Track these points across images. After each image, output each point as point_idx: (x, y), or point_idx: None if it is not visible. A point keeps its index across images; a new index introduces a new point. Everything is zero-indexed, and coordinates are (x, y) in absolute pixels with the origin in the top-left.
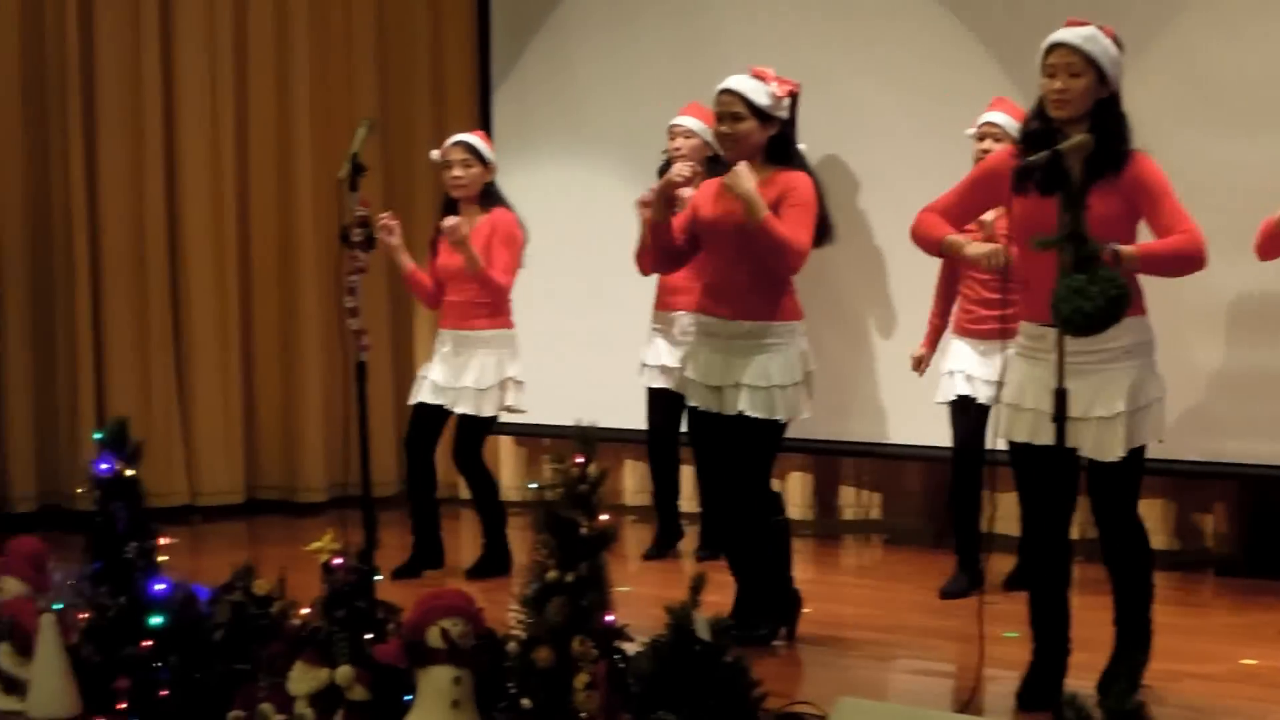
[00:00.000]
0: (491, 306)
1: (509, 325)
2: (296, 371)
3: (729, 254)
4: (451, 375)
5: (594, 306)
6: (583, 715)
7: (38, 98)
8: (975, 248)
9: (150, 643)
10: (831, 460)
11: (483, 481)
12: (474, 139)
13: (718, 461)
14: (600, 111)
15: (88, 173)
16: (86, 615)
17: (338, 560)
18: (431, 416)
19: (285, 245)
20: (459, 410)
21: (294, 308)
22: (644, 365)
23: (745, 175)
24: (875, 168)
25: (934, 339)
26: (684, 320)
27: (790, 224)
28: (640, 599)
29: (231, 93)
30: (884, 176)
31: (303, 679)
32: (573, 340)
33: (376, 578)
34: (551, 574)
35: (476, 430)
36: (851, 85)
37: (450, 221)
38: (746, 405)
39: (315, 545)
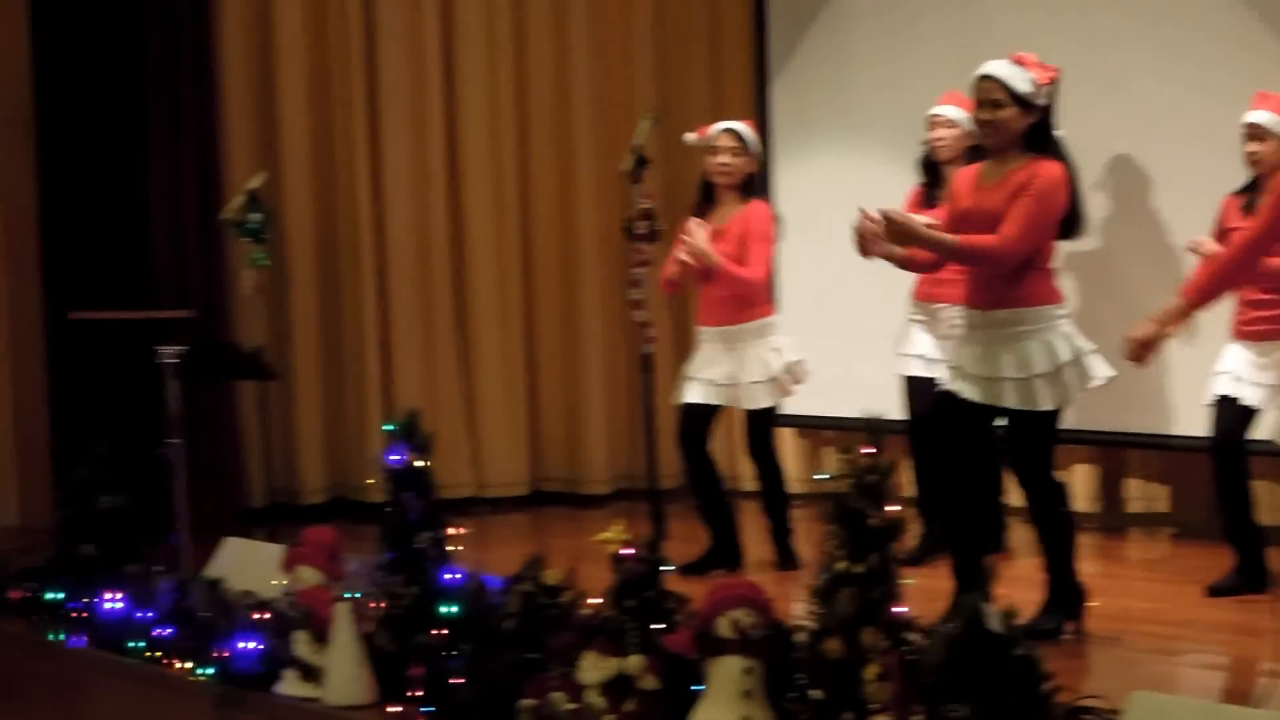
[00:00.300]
0: (750, 297)
1: (770, 312)
2: (579, 364)
3: None
4: (729, 372)
5: (870, 297)
6: (873, 706)
7: (323, 100)
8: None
9: (443, 632)
10: (1117, 452)
11: (775, 473)
12: (743, 127)
13: (966, 454)
14: (875, 100)
15: (372, 171)
16: (380, 604)
17: (627, 551)
18: (702, 415)
19: (566, 238)
20: (748, 406)
21: (576, 300)
22: (900, 355)
23: (906, 220)
24: (1167, 166)
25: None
26: (948, 313)
27: (1011, 217)
28: (926, 591)
29: (512, 88)
30: (1176, 175)
31: (593, 668)
32: (851, 331)
33: (666, 568)
34: (841, 565)
35: (768, 421)
36: (1133, 80)
37: (692, 233)
38: (1012, 399)
39: (604, 536)
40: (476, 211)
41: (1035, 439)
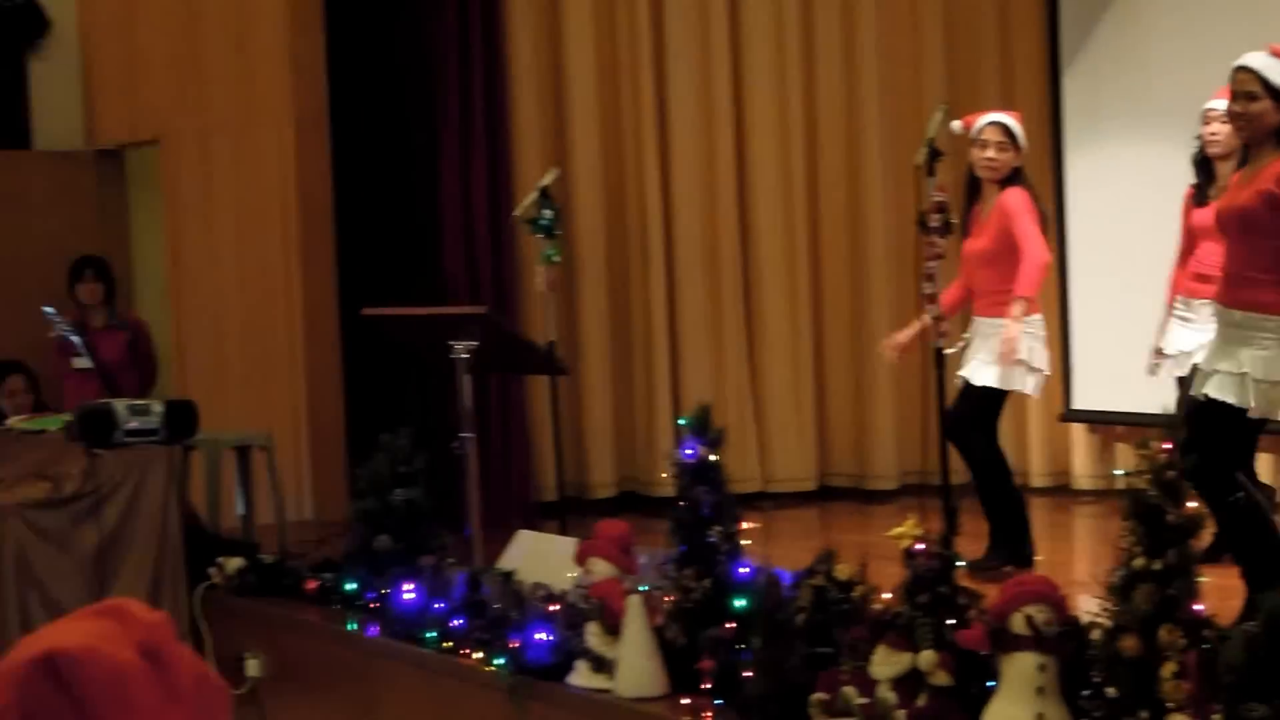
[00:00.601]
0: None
1: (1028, 310)
2: (868, 358)
3: (1230, 242)
4: (971, 355)
5: (1164, 287)
6: (1170, 705)
7: (612, 97)
8: None
9: (734, 625)
10: None
11: (985, 462)
12: (1011, 120)
13: (1220, 452)
14: (1169, 91)
15: (661, 167)
16: (672, 597)
17: (919, 546)
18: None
19: (855, 232)
20: (960, 374)
21: (864, 294)
22: (1162, 353)
23: None
24: None
25: None
26: (1209, 310)
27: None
28: (1222, 589)
29: (799, 81)
30: None
31: (885, 663)
32: (1144, 322)
33: (959, 564)
34: (1138, 561)
35: (976, 402)
36: None
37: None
38: (1214, 389)
39: (897, 531)
40: (764, 206)
41: (1224, 433)
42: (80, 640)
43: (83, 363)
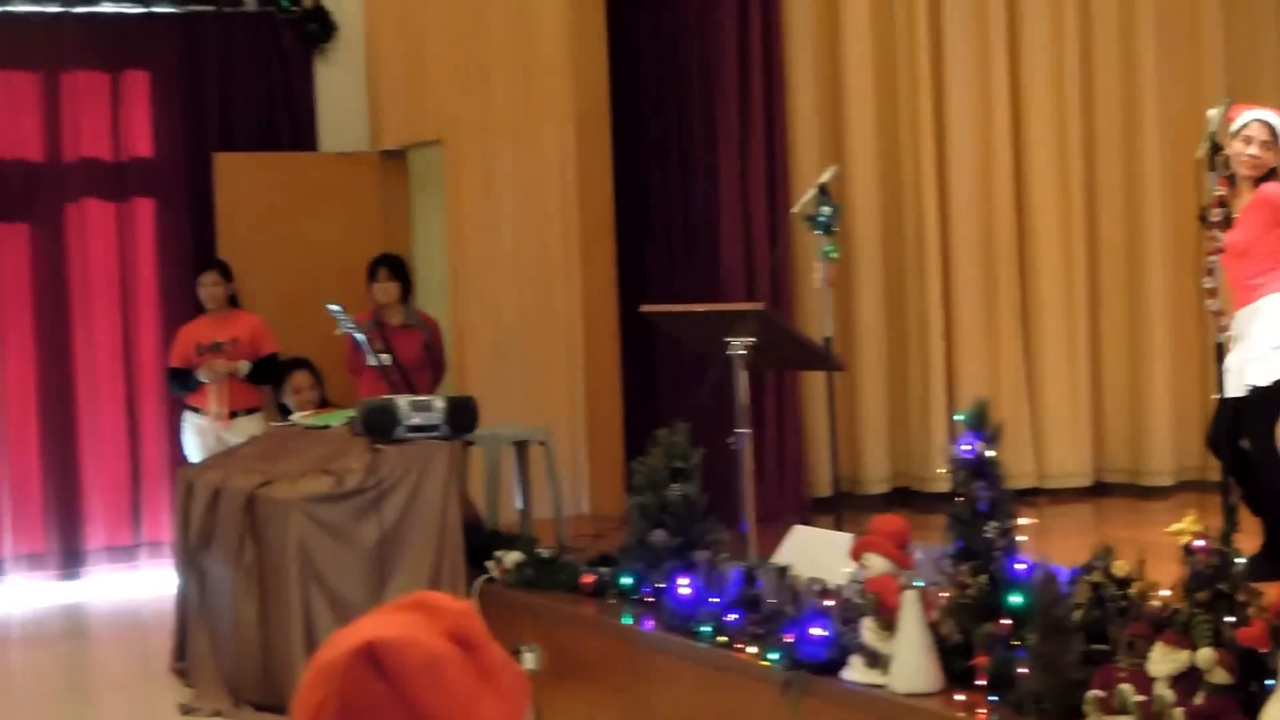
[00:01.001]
0: (1269, 275)
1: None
2: (1145, 353)
3: None
4: (1237, 355)
5: None
6: None
7: (889, 93)
8: None
9: (1009, 622)
10: None
11: (1262, 469)
12: (1277, 119)
13: None
14: None
15: (937, 163)
16: (947, 593)
17: (1199, 542)
18: (1227, 408)
19: (1132, 226)
20: (1240, 381)
21: (1142, 289)
22: None
23: None
24: None
25: None
26: None
27: None
28: None
29: (1077, 75)
30: None
31: (1163, 660)
32: None
33: (1239, 561)
34: None
35: (1253, 406)
36: None
37: None
38: None
39: (1177, 527)
40: (1041, 201)
41: None
42: (395, 630)
43: (375, 360)
